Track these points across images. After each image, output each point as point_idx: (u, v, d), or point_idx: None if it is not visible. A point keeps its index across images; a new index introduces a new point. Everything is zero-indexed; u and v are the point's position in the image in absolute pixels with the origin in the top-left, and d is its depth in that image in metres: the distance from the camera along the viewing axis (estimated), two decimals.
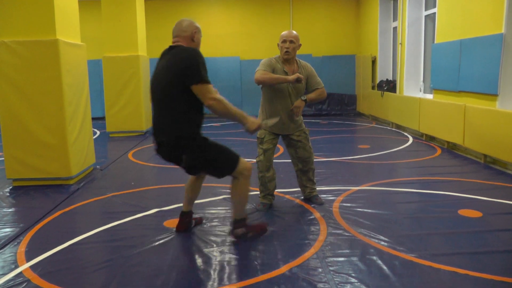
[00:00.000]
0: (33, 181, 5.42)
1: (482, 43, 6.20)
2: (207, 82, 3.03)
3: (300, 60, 4.22)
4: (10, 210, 4.55)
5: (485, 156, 6.08)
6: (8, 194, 5.12)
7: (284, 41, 4.06)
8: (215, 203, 4.56)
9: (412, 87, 9.16)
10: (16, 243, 3.61)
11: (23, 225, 4.01)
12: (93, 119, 8.96)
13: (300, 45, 4.15)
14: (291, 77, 3.93)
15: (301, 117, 4.31)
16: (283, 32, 4.12)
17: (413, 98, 8.44)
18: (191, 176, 3.63)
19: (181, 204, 3.83)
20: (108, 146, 8.25)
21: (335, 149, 7.20)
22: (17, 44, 5.14)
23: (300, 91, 4.17)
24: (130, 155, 7.15)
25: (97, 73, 11.43)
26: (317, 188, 4.75)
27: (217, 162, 3.28)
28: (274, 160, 4.37)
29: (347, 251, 3.29)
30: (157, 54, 12.29)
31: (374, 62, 11.05)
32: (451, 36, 7.13)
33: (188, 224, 3.78)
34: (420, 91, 9.10)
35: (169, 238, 3.64)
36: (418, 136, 8.27)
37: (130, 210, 4.35)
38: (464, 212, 4.06)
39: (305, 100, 4.11)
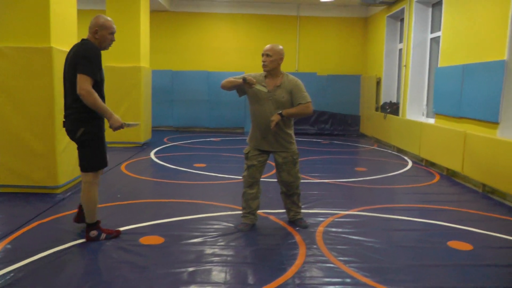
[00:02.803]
0: (19, 188, 5.33)
1: (484, 69, 6.06)
2: (85, 73, 3.43)
3: (289, 75, 4.12)
4: None
5: (484, 185, 5.89)
6: None
7: (262, 55, 4.01)
8: (201, 220, 4.43)
9: (415, 110, 9.01)
10: None
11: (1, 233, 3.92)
12: None
13: (281, 58, 4.03)
14: (242, 79, 3.88)
15: (291, 137, 4.15)
16: (266, 46, 4.04)
17: (415, 122, 8.28)
18: (96, 188, 3.84)
19: (164, 220, 3.87)
20: None
21: (331, 170, 7.04)
22: (10, 50, 5.12)
23: (283, 106, 4.03)
24: (123, 167, 7.06)
25: None
26: (305, 211, 4.61)
27: (86, 155, 3.66)
28: (264, 179, 4.23)
29: (323, 279, 3.14)
30: (161, 66, 12.29)
31: (379, 83, 10.93)
32: (454, 60, 7.00)
33: (83, 218, 3.94)
34: (423, 115, 8.94)
35: (143, 256, 3.50)
36: (418, 161, 8.08)
37: (109, 225, 4.22)
38: (454, 244, 3.88)
39: (281, 114, 3.92)
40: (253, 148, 4.16)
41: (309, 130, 12.18)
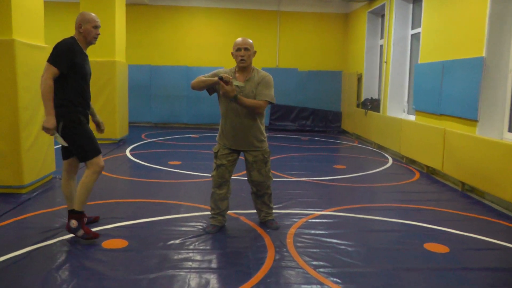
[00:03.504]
0: None
1: (463, 66, 5.95)
2: (51, 63, 3.44)
3: (260, 70, 3.93)
4: None
5: (463, 183, 5.79)
6: None
7: (238, 49, 3.79)
8: (185, 219, 4.23)
9: (396, 107, 8.90)
10: None
11: None
12: None
13: (255, 52, 3.88)
14: (216, 78, 3.68)
15: (263, 134, 3.97)
16: (237, 40, 3.84)
17: (395, 119, 8.17)
18: (64, 174, 3.88)
19: (130, 222, 3.82)
20: None
21: (309, 168, 6.89)
22: None
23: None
24: None
25: None
26: (277, 211, 4.45)
27: (77, 145, 3.61)
28: (237, 177, 4.04)
29: (290, 285, 2.96)
30: (140, 61, 11.96)
31: (360, 79, 10.81)
32: (434, 57, 6.89)
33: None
34: (404, 111, 8.83)
35: (103, 262, 3.30)
36: (399, 158, 7.98)
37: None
38: (430, 246, 3.75)
39: (235, 96, 3.61)
40: (222, 146, 3.97)
41: (289, 127, 12.02)
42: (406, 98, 8.85)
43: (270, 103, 3.84)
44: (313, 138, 10.63)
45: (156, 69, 12.04)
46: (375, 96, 10.37)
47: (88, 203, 4.76)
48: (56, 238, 3.75)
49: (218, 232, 3.96)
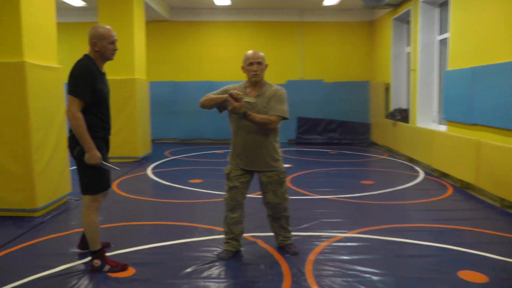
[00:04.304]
0: None
1: (495, 71, 5.53)
2: (72, 94, 3.20)
3: (272, 84, 3.67)
4: None
5: (502, 199, 5.32)
6: None
7: (250, 64, 3.54)
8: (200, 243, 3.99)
9: (425, 117, 8.45)
10: None
11: None
12: None
13: (267, 65, 3.63)
14: (226, 95, 3.42)
15: (278, 153, 3.71)
16: (248, 53, 3.59)
17: (425, 130, 7.74)
18: None
19: (139, 248, 3.70)
20: None
21: (334, 185, 6.53)
22: None
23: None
24: (115, 184, 6.67)
25: None
26: (297, 233, 4.15)
27: (83, 176, 3.37)
28: (255, 196, 3.79)
29: None
30: (163, 77, 11.98)
31: (387, 89, 10.41)
32: (464, 63, 6.47)
33: (87, 244, 3.62)
34: (434, 122, 8.38)
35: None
36: (430, 172, 7.52)
37: (83, 252, 3.81)
38: (466, 275, 3.34)
39: (245, 113, 3.38)
40: (235, 167, 3.71)
41: (317, 140, 11.69)
42: (436, 108, 8.41)
43: (283, 118, 3.57)
44: (341, 151, 10.25)
45: (179, 85, 11.96)
46: (404, 106, 9.94)
47: (101, 226, 4.58)
48: (65, 264, 3.59)
49: (232, 258, 3.69)
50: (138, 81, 8.76)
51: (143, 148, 9.09)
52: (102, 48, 3.36)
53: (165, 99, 11.94)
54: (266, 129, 3.54)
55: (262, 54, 3.59)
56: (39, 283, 3.28)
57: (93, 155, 3.23)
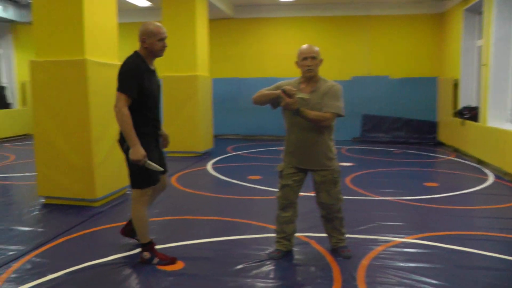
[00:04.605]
0: (61, 200, 5.31)
1: None
2: (119, 91, 3.26)
3: (327, 80, 3.53)
4: (23, 229, 4.41)
5: None
6: (33, 211, 5.05)
7: (305, 58, 3.43)
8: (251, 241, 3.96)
9: (498, 115, 7.83)
10: (4, 270, 3.40)
11: (25, 248, 3.84)
12: None
13: (322, 60, 3.50)
14: (279, 91, 3.32)
15: (332, 152, 3.56)
16: (302, 47, 3.47)
17: (497, 129, 7.20)
18: None
19: (191, 242, 3.76)
20: None
21: (395, 186, 6.24)
22: (49, 64, 5.13)
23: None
24: (174, 178, 6.79)
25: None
26: (352, 236, 3.99)
27: (131, 170, 3.40)
28: (311, 195, 3.69)
29: None
30: (226, 74, 12.13)
31: (456, 85, 9.83)
32: None
33: (131, 232, 3.84)
34: (508, 121, 7.78)
35: (158, 281, 3.10)
36: (501, 175, 6.98)
37: (132, 243, 3.89)
38: None
39: (298, 110, 3.28)
40: (288, 165, 3.62)
41: (382, 138, 11.31)
42: (510, 106, 7.80)
43: (338, 115, 3.42)
44: (406, 151, 9.82)
45: (243, 81, 12.02)
46: (474, 104, 9.34)
47: (156, 218, 4.68)
48: (117, 254, 3.70)
49: (282, 258, 3.60)
50: (200, 77, 8.88)
51: (205, 143, 9.22)
52: (151, 45, 3.36)
53: (229, 95, 12.06)
54: (320, 127, 3.42)
55: (317, 48, 3.46)
56: (91, 270, 3.38)
57: (136, 151, 3.22)
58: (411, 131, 11.30)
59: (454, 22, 10.15)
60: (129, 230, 3.86)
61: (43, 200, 5.38)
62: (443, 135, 10.74)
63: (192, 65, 8.81)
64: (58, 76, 5.07)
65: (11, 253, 3.73)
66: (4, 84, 12.76)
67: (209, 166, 7.87)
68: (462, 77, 9.56)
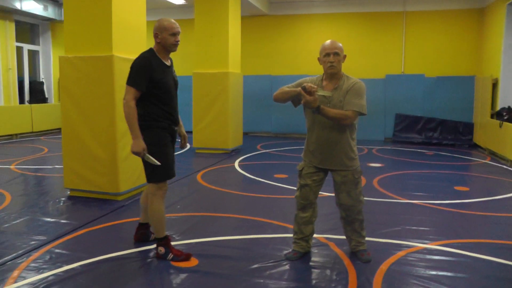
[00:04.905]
0: (85, 193, 5.42)
1: None
2: (128, 84, 3.33)
3: (350, 77, 3.42)
4: (47, 219, 4.53)
5: None
6: (58, 203, 5.17)
7: (327, 54, 3.33)
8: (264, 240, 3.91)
9: None
10: (24, 258, 3.49)
11: (46, 238, 3.95)
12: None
13: (345, 56, 3.40)
14: (299, 88, 3.22)
15: (354, 151, 3.45)
16: (325, 43, 3.37)
17: None
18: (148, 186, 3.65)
19: (208, 239, 3.76)
20: (185, 163, 7.92)
21: (424, 189, 6.03)
22: (78, 60, 5.22)
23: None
24: (199, 175, 6.80)
25: (189, 89, 10.40)
26: (372, 239, 3.87)
27: (146, 164, 3.41)
28: (331, 195, 3.60)
29: None
30: (260, 71, 12.12)
31: (495, 85, 9.44)
32: None
33: (143, 236, 3.85)
34: None
35: (163, 283, 3.09)
36: None
37: (150, 240, 3.90)
38: None
39: (318, 108, 3.18)
40: (308, 164, 3.53)
41: (414, 139, 11.00)
42: None
43: (360, 114, 3.30)
44: (439, 153, 9.51)
45: (276, 79, 11.96)
46: None
47: (176, 214, 4.68)
48: (134, 248, 3.74)
49: (299, 260, 3.52)
50: (232, 74, 8.87)
51: (234, 140, 9.20)
52: (163, 39, 3.38)
53: (262, 92, 12.02)
54: (341, 125, 3.32)
55: (340, 44, 3.36)
56: (106, 263, 3.41)
57: (137, 144, 3.28)
58: (445, 132, 10.95)
59: (496, 17, 9.73)
60: (141, 234, 3.87)
61: (68, 192, 5.49)
62: (479, 137, 10.34)
63: (223, 62, 8.82)
64: (86, 71, 5.16)
65: (33, 242, 3.83)
66: (41, 80, 13.17)
67: (236, 164, 7.85)
68: (502, 76, 9.18)
